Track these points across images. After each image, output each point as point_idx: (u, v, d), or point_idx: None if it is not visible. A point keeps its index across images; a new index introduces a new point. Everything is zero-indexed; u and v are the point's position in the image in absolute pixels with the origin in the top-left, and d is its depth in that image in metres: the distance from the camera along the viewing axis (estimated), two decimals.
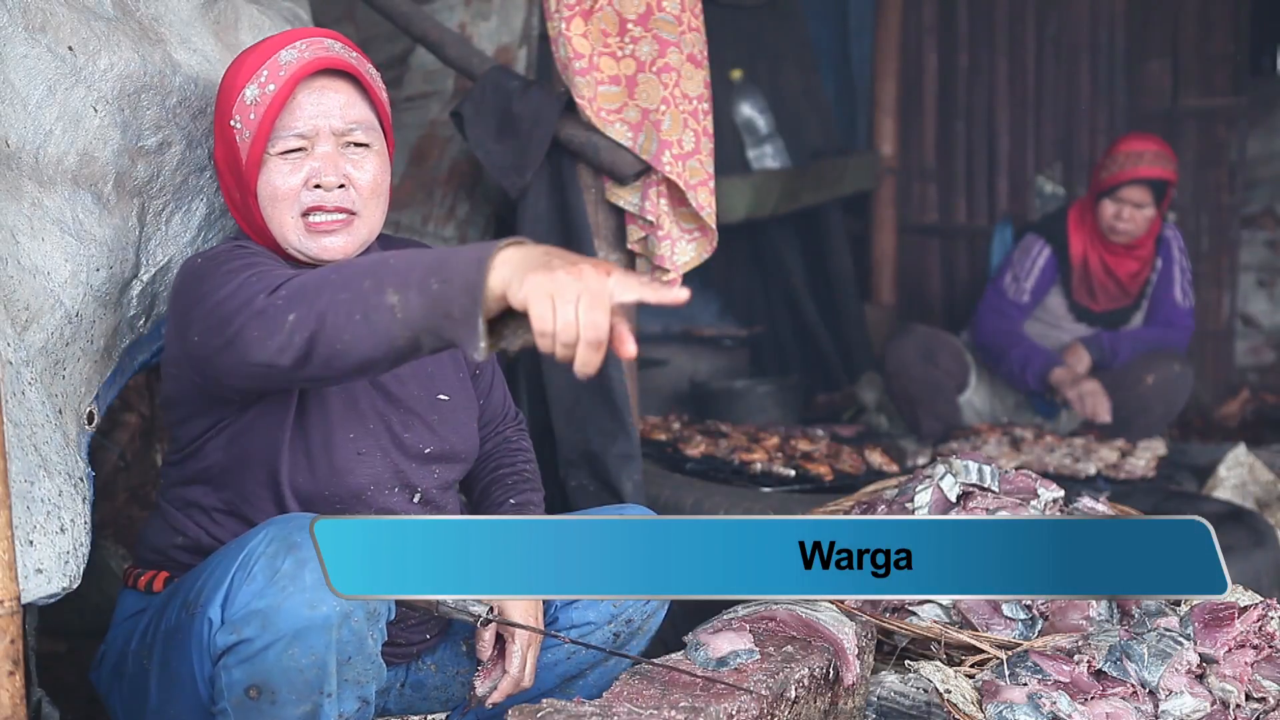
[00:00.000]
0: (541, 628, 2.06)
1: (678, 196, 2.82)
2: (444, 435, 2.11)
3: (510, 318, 1.60)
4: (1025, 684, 1.96)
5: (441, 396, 2.13)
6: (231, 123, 1.98)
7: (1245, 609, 2.08)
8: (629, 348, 1.53)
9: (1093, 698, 1.95)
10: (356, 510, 2.01)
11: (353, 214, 2.00)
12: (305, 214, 1.98)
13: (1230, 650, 2.03)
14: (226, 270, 1.84)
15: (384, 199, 2.05)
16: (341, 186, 1.98)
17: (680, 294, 1.56)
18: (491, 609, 1.95)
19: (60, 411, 1.90)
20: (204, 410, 1.96)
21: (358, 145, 2.01)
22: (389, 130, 2.09)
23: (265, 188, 1.98)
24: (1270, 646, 2.06)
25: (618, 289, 1.52)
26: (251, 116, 1.95)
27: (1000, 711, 1.90)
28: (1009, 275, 4.72)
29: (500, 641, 2.05)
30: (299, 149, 1.97)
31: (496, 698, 2.02)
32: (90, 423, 1.99)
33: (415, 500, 2.08)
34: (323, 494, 1.97)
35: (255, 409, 1.95)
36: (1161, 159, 4.49)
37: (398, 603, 1.97)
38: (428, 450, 2.08)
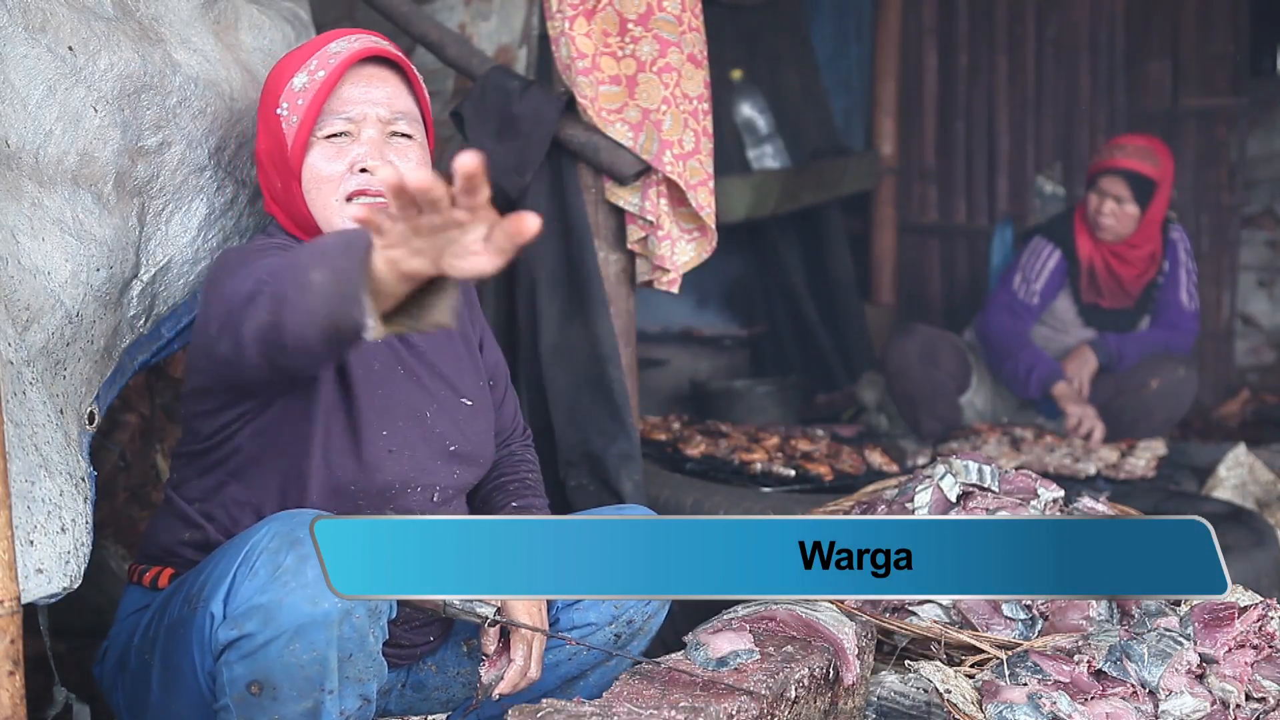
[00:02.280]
0: (545, 628, 2.06)
1: (678, 196, 2.82)
2: (468, 435, 2.12)
3: (417, 300, 1.54)
4: (1025, 684, 1.96)
5: (465, 400, 2.15)
6: (278, 110, 2.01)
7: (1245, 609, 2.08)
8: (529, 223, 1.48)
9: (1093, 698, 1.95)
10: (379, 509, 2.01)
11: None
12: (349, 198, 2.00)
13: (1230, 650, 2.03)
14: (244, 262, 1.88)
15: None
16: None
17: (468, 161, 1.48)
18: (498, 610, 1.96)
19: (61, 411, 1.90)
20: (229, 402, 1.96)
21: (402, 135, 2.04)
22: (431, 128, 2.13)
23: (310, 171, 2.01)
24: (1270, 646, 2.06)
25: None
26: (299, 102, 1.99)
27: (1000, 711, 1.90)
28: (1018, 276, 4.68)
29: (505, 635, 2.05)
30: (345, 133, 2.01)
31: (503, 688, 2.02)
32: (91, 422, 1.99)
33: (434, 500, 2.08)
34: (348, 490, 1.98)
35: (281, 403, 1.95)
36: (1145, 155, 4.47)
37: (404, 604, 1.97)
38: (453, 448, 2.09)
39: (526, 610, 2.03)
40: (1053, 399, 4.51)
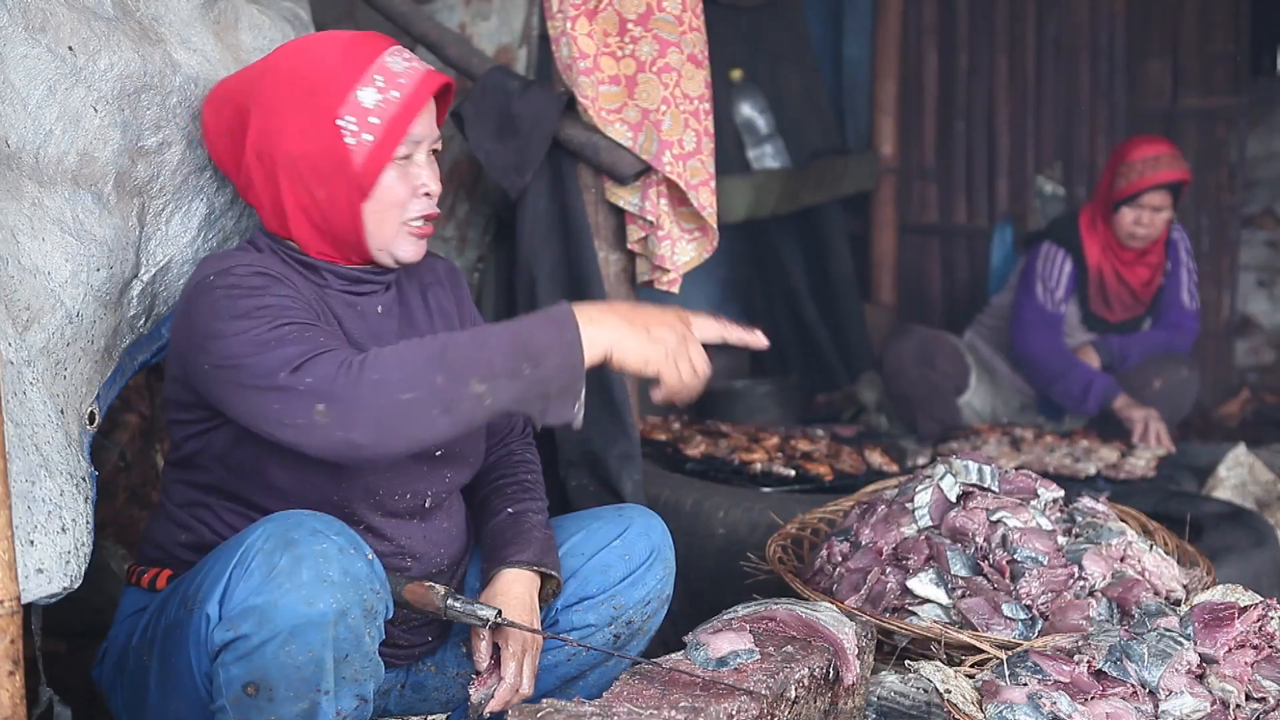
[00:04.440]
0: (540, 629, 2.06)
1: (678, 196, 2.82)
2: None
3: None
4: (1025, 684, 1.96)
5: None
6: (339, 121, 1.95)
7: (1245, 609, 2.08)
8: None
9: (1093, 698, 1.95)
10: (364, 512, 2.01)
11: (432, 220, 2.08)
12: (409, 219, 2.03)
13: (1230, 650, 2.03)
14: (245, 308, 1.85)
15: None
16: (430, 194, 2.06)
17: (761, 340, 1.96)
18: (499, 611, 1.95)
19: (62, 411, 1.90)
20: (207, 414, 1.96)
21: (435, 154, 2.08)
22: None
23: (385, 192, 1.99)
24: (1270, 646, 2.06)
25: (700, 331, 1.92)
26: (374, 120, 1.95)
27: (1000, 711, 1.90)
28: (1039, 286, 4.60)
29: (496, 649, 2.04)
30: (408, 155, 2.01)
31: (494, 706, 2.01)
32: (92, 422, 1.99)
33: (426, 505, 2.08)
34: (330, 499, 1.97)
35: None
36: (1177, 160, 4.47)
37: (407, 605, 1.97)
38: (439, 453, 2.08)
39: (518, 612, 2.03)
40: (1114, 413, 4.45)
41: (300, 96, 1.96)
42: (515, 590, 2.06)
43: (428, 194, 2.03)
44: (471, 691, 2.02)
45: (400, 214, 2.01)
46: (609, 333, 1.84)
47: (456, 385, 1.76)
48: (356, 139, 1.96)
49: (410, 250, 2.05)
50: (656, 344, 1.84)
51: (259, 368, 1.80)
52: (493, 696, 2.01)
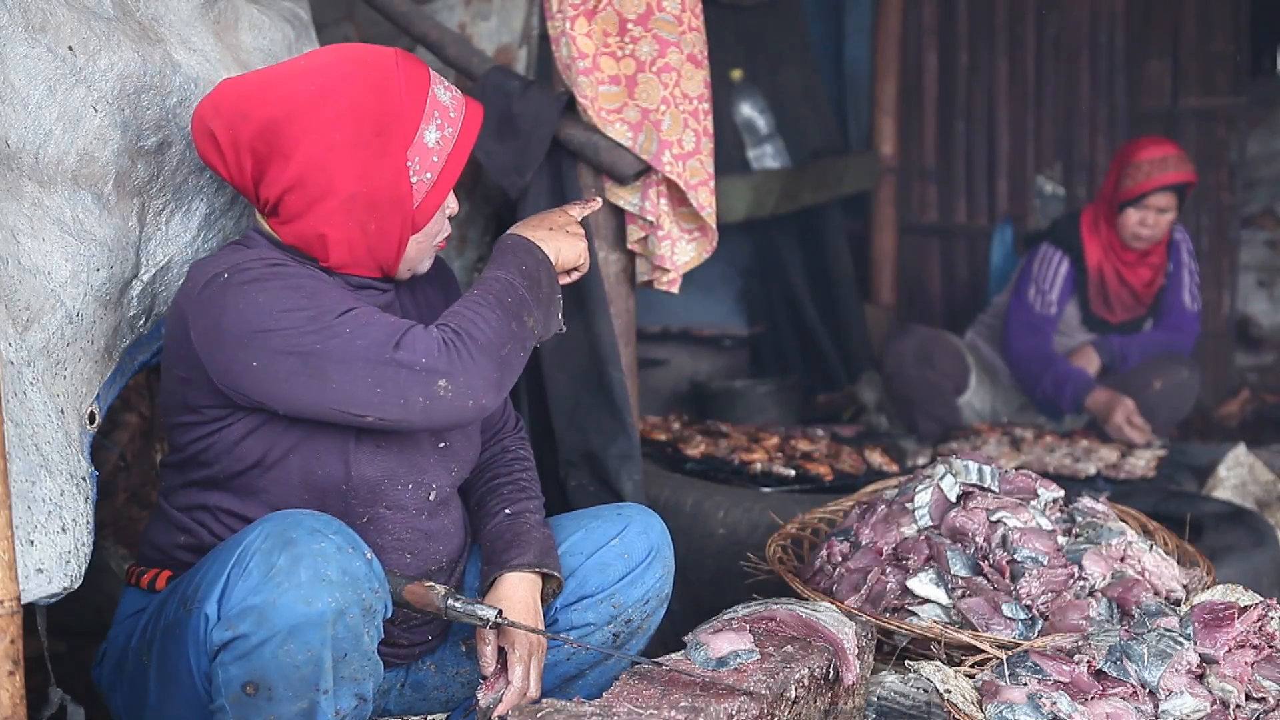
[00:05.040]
0: (542, 628, 2.06)
1: (678, 196, 2.82)
2: (458, 431, 2.11)
3: None
4: (1025, 684, 1.96)
5: None
6: (409, 163, 1.97)
7: (1245, 609, 2.08)
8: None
9: (1093, 698, 1.95)
10: (369, 504, 2.01)
11: None
12: (437, 241, 2.11)
13: (1230, 650, 2.03)
14: (290, 300, 1.86)
15: None
16: None
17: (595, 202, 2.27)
18: (499, 612, 1.95)
19: (62, 411, 1.90)
20: (223, 413, 1.96)
21: None
22: None
23: (433, 225, 2.06)
24: (1270, 646, 2.06)
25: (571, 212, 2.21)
26: (435, 160, 2.00)
27: (1000, 711, 1.90)
28: (1032, 288, 4.62)
29: (502, 654, 2.04)
30: None
31: (501, 710, 2.01)
32: (92, 422, 1.99)
33: (430, 497, 2.08)
34: (338, 488, 1.98)
35: (263, 413, 1.96)
36: (1183, 161, 4.47)
37: (407, 605, 1.97)
38: (442, 445, 2.08)
39: (521, 613, 2.04)
40: (1090, 412, 4.45)
41: (366, 137, 1.94)
42: (519, 594, 2.06)
43: (450, 216, 2.10)
44: (480, 696, 2.03)
45: (435, 237, 2.08)
46: (551, 243, 2.09)
47: (522, 326, 1.96)
48: (419, 178, 1.99)
49: (429, 264, 2.13)
50: (575, 240, 2.12)
51: (346, 351, 1.83)
52: (500, 700, 2.01)
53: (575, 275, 2.16)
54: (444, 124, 2.00)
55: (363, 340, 1.84)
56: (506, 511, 2.18)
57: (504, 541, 2.12)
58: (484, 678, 2.04)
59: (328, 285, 1.94)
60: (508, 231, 2.12)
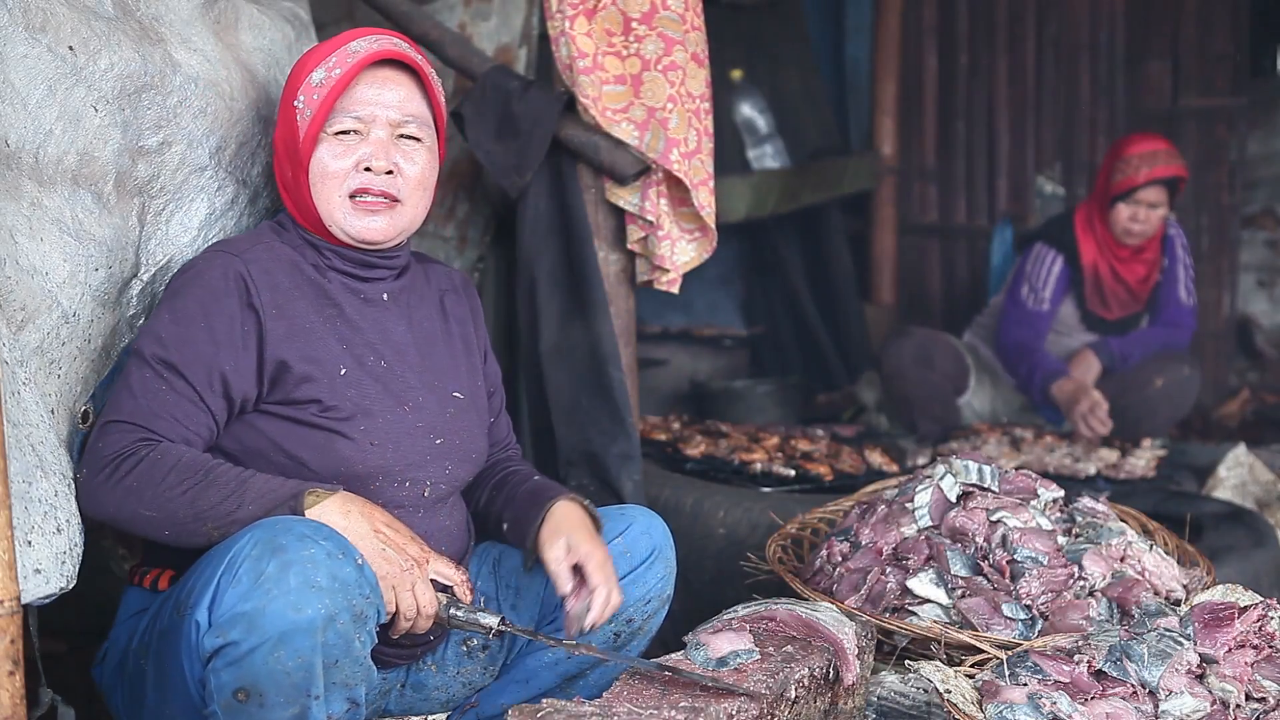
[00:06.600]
0: (539, 634, 2.06)
1: (678, 196, 2.82)
2: (457, 429, 2.12)
3: None
4: (1025, 684, 1.96)
5: (456, 394, 2.16)
6: (295, 102, 2.06)
7: (1245, 609, 2.08)
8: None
9: (1093, 698, 1.95)
10: (366, 497, 2.00)
11: (397, 200, 2.08)
12: (352, 195, 2.05)
13: (1230, 650, 2.03)
14: (179, 315, 1.96)
15: (429, 193, 2.13)
16: (389, 173, 2.06)
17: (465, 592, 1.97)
18: (502, 619, 1.95)
19: (53, 411, 1.90)
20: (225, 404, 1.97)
21: (410, 138, 2.09)
22: (442, 131, 2.17)
23: (317, 164, 2.05)
24: (1270, 646, 2.06)
25: (436, 568, 1.93)
26: (314, 96, 2.03)
27: (1000, 711, 1.90)
28: (1025, 286, 4.62)
29: (578, 570, 2.05)
30: (354, 131, 2.05)
31: (594, 616, 2.01)
32: (84, 422, 2.00)
33: (426, 494, 2.08)
34: (335, 480, 1.97)
35: (253, 413, 1.97)
36: (1174, 156, 4.48)
37: None
38: (439, 441, 2.09)
39: (585, 534, 2.07)
40: (1054, 399, 4.48)
41: (285, 89, 2.11)
42: (573, 517, 2.11)
43: (368, 169, 2.04)
44: (569, 607, 2.03)
45: (337, 188, 2.05)
46: (340, 524, 1.85)
47: (193, 523, 1.85)
48: (302, 115, 2.05)
49: (360, 226, 2.07)
50: (386, 562, 1.86)
51: (126, 381, 1.94)
52: (590, 608, 2.01)
53: (405, 627, 1.90)
54: (336, 65, 2.04)
55: (126, 395, 1.92)
56: (525, 485, 2.22)
57: (536, 495, 2.17)
58: (563, 596, 2.04)
59: (224, 336, 1.96)
60: (342, 493, 1.90)
